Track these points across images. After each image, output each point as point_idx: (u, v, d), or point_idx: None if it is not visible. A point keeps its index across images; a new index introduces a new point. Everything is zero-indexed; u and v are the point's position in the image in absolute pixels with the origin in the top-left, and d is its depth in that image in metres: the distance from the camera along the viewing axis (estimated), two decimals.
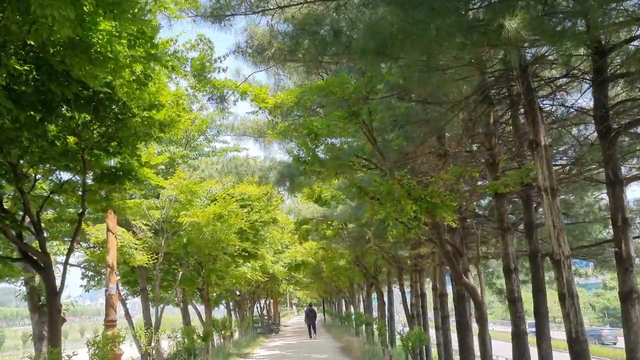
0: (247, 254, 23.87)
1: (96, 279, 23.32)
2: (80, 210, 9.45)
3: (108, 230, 12.97)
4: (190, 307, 34.84)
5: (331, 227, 23.06)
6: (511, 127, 12.37)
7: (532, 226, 12.64)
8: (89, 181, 9.98)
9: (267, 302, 56.37)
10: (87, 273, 22.30)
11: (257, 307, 49.87)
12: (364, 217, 10.59)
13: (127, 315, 20.85)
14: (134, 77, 7.37)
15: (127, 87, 7.18)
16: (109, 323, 12.55)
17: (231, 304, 40.92)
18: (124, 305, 21.12)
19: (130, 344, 16.98)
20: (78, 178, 10.60)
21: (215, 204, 16.66)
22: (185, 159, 19.56)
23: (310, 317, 34.61)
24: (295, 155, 10.53)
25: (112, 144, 9.57)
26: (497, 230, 10.97)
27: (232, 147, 21.08)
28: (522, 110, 12.77)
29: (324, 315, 70.46)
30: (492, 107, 10.75)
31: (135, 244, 15.44)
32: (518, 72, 8.07)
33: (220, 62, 9.32)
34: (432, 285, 22.21)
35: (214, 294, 36.48)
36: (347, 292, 44.91)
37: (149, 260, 15.84)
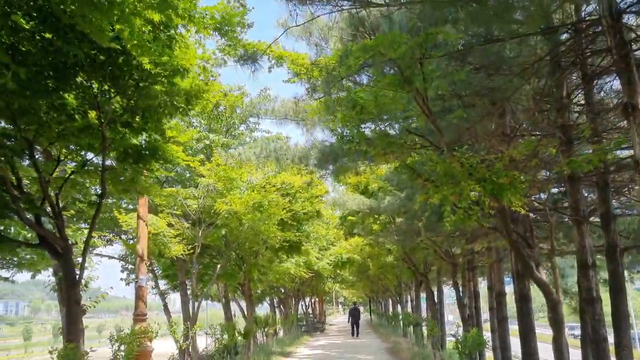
0: (289, 246, 22.85)
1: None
2: (100, 192, 8.56)
3: (139, 217, 12.15)
4: (234, 304, 34.32)
5: (378, 221, 21.75)
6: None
7: (609, 216, 11.04)
8: (110, 162, 9.10)
9: (312, 300, 55.40)
10: (127, 266, 21.78)
11: (301, 305, 48.99)
12: (417, 203, 9.27)
13: (166, 309, 20.18)
14: (148, 28, 6.34)
15: (139, 40, 6.15)
16: (139, 317, 11.72)
17: (275, 301, 40.12)
18: (163, 299, 20.46)
19: (167, 339, 16.19)
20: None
21: (255, 192, 15.65)
22: (225, 147, 18.69)
23: (354, 316, 34.60)
24: (338, 133, 9.34)
25: (136, 118, 8.65)
26: (572, 219, 9.46)
27: (274, 136, 20.14)
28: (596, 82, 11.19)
29: (370, 315, 68.97)
30: (565, 73, 9.25)
31: (170, 234, 14.59)
32: (608, 21, 6.61)
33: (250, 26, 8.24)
34: (487, 284, 20.61)
35: (258, 291, 35.81)
36: (395, 291, 43.34)
37: (184, 252, 14.99)
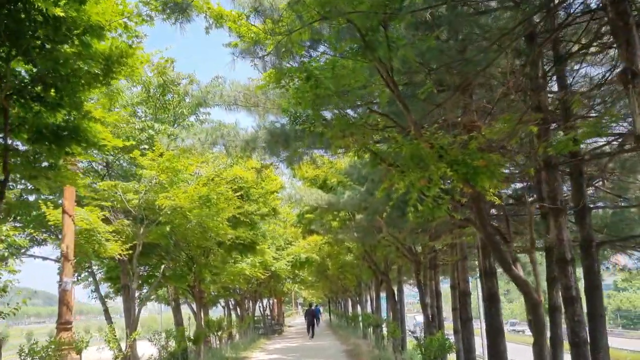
0: (243, 246, 21.52)
1: (83, 273, 20.96)
2: (3, 178, 7.09)
3: (64, 211, 10.64)
4: (185, 307, 32.67)
5: (337, 218, 20.66)
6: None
7: (584, 208, 10.23)
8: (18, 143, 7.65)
9: (270, 301, 53.97)
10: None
11: (259, 306, 47.53)
12: (380, 192, 8.09)
13: (107, 314, 18.53)
14: None
15: None
16: (63, 325, 10.21)
17: (231, 303, 38.56)
18: (104, 303, 18.79)
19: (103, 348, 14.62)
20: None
21: (202, 186, 14.28)
22: (172, 138, 17.23)
23: (310, 317, 35.08)
24: (291, 113, 8.13)
25: (50, 91, 7.22)
26: (549, 210, 8.53)
27: (223, 124, 18.72)
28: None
29: (330, 316, 67.98)
30: (540, 50, 8.33)
31: (105, 230, 13.06)
32: None
33: None
34: (450, 283, 19.80)
35: (213, 292, 34.24)
36: (354, 291, 42.44)
37: (123, 251, 13.49)
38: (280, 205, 29.11)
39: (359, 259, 24.56)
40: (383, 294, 33.70)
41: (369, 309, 40.43)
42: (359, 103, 8.63)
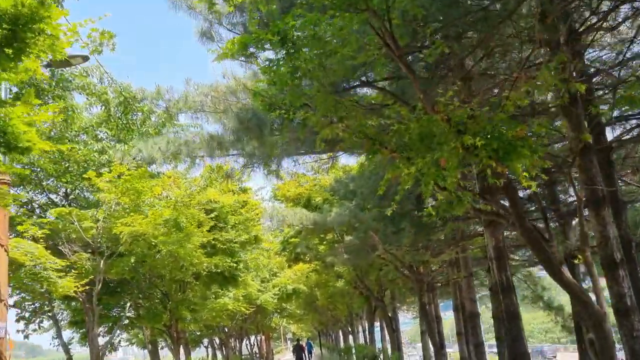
0: (223, 278, 19.56)
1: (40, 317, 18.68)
2: None
3: None
4: (164, 351, 30.27)
5: (324, 242, 18.90)
6: None
7: (618, 202, 8.69)
8: None
9: (259, 338, 51.35)
10: (22, 313, 17.73)
11: (246, 344, 44.99)
12: (381, 187, 6.41)
13: None
14: None
15: None
16: None
17: (216, 342, 36.12)
18: (67, 351, 16.57)
19: None
20: None
21: (169, 208, 12.46)
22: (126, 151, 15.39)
23: (299, 352, 35.52)
24: (259, 96, 6.44)
25: None
26: (588, 203, 6.91)
27: (186, 124, 16.88)
28: None
29: (321, 350, 65.23)
30: None
31: (55, 265, 11.10)
32: None
33: None
34: (453, 305, 18.02)
35: (197, 332, 31.91)
36: (345, 321, 40.29)
37: (78, 288, 11.51)
38: (263, 233, 27.33)
39: (350, 284, 22.67)
40: (377, 323, 31.76)
41: (361, 340, 38.29)
42: (349, 81, 6.98)
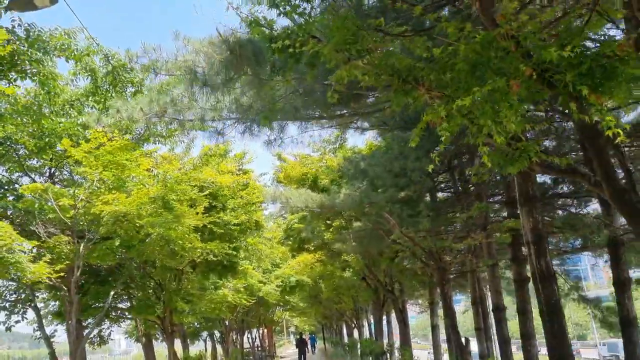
0: (222, 267, 18.13)
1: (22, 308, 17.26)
2: None
3: None
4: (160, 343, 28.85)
5: (331, 228, 17.42)
6: None
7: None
8: None
9: (261, 331, 50.03)
10: (4, 304, 16.34)
11: (248, 337, 43.66)
12: (413, 139, 4.84)
13: (53, 358, 14.94)
14: None
15: None
16: None
17: (216, 335, 34.72)
18: (49, 346, 15.14)
19: None
20: None
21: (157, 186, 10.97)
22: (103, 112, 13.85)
23: (302, 346, 35.46)
24: (258, 25, 4.94)
25: None
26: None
27: (172, 80, 15.36)
28: None
29: (324, 344, 63.87)
30: None
31: (26, 248, 9.66)
32: None
33: None
34: (472, 298, 16.54)
35: (195, 324, 30.51)
36: (351, 315, 38.84)
37: (52, 274, 10.06)
38: (265, 220, 25.85)
39: (358, 275, 21.14)
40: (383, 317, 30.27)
41: (366, 335, 36.89)
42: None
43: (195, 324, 29.84)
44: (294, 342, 40.22)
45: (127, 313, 17.78)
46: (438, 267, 10.74)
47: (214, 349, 33.43)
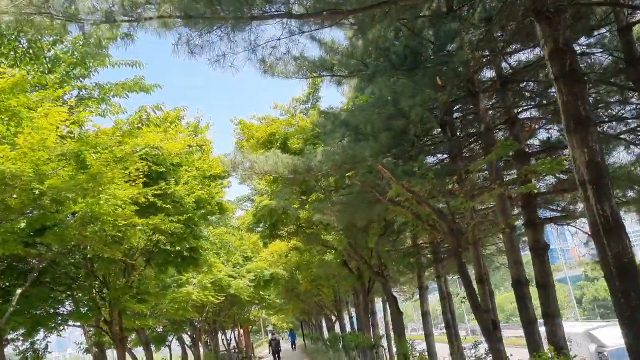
0: (181, 258, 15.25)
1: None
2: None
3: None
4: (139, 350, 25.70)
5: (306, 206, 14.69)
6: None
7: None
8: None
9: (237, 332, 47.09)
10: None
11: (223, 339, 40.69)
12: None
13: None
14: None
15: None
16: None
17: (187, 340, 31.59)
18: None
19: None
20: None
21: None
22: None
23: (275, 346, 37.00)
24: None
25: None
26: None
27: None
28: None
29: (304, 340, 61.28)
30: None
31: None
32: None
33: None
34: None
35: (155, 329, 27.42)
36: (332, 308, 36.19)
37: None
38: (232, 207, 22.99)
39: (340, 258, 18.37)
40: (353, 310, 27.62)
41: (347, 328, 34.33)
42: None
43: (159, 328, 26.82)
44: (269, 342, 41.70)
45: (65, 319, 14.76)
46: (452, 231, 8.18)
47: (184, 354, 30.39)
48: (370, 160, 9.49)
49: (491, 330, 8.39)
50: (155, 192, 10.29)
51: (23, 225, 8.34)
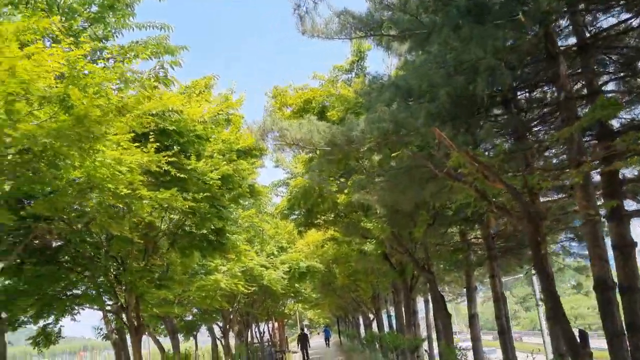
0: (207, 242, 13.88)
1: None
2: None
3: None
4: (163, 338, 24.71)
5: (345, 190, 13.04)
6: None
7: None
8: None
9: (271, 325, 45.91)
10: None
11: (256, 332, 39.50)
12: None
13: None
14: None
15: None
16: None
17: (217, 330, 30.38)
18: None
19: None
20: None
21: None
22: None
23: (304, 342, 36.41)
24: None
25: None
26: None
27: None
28: None
29: (339, 337, 59.70)
30: None
31: None
32: None
33: None
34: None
35: (187, 317, 26.29)
36: (370, 305, 34.39)
37: None
38: (266, 192, 21.59)
39: (381, 248, 16.54)
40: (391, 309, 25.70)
41: (386, 327, 32.48)
42: None
43: (188, 316, 25.66)
44: (297, 338, 40.89)
45: (83, 303, 13.58)
46: (529, 215, 6.38)
47: (213, 344, 29.22)
48: (425, 127, 7.74)
49: (577, 344, 6.54)
50: (170, 159, 8.79)
51: (7, 187, 6.98)
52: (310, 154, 12.11)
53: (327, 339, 56.04)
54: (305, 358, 34.98)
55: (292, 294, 34.33)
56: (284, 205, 18.18)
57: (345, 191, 13.61)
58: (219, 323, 28.46)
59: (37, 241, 12.05)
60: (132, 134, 8.36)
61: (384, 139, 8.91)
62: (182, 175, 9.45)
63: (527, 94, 11.21)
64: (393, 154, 9.46)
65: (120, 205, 8.29)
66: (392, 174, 9.18)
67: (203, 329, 30.84)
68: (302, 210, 17.64)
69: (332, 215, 17.98)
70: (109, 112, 6.29)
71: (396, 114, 8.26)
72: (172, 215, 13.15)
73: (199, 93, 13.12)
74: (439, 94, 7.13)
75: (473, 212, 15.22)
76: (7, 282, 12.11)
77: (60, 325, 13.46)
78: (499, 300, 14.98)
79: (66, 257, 12.59)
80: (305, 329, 46.41)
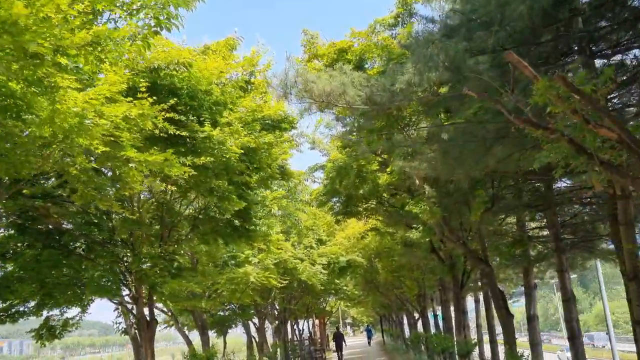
0: (232, 228, 12.26)
1: None
2: None
3: None
4: (194, 333, 23.36)
5: (387, 170, 11.08)
6: None
7: None
8: None
9: (311, 322, 44.25)
10: None
11: (295, 328, 37.92)
12: None
13: None
14: None
15: None
16: None
17: (253, 326, 28.87)
18: None
19: None
20: None
21: None
22: None
23: (339, 341, 35.34)
24: None
25: None
26: None
27: None
28: None
29: (382, 336, 57.60)
30: None
31: None
32: None
33: None
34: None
35: (220, 313, 24.83)
36: (415, 303, 32.22)
37: None
38: (300, 177, 19.86)
39: (432, 235, 14.32)
40: (438, 308, 23.43)
41: (432, 328, 30.20)
42: None
43: (221, 311, 24.24)
44: (332, 336, 39.76)
45: (89, 293, 12.14)
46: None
47: (249, 341, 27.72)
48: (492, 64, 5.76)
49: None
50: (170, 116, 7.10)
51: None
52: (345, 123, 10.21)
53: (369, 337, 54.25)
54: (340, 358, 33.76)
55: (333, 291, 32.48)
56: (321, 191, 16.35)
57: (388, 170, 11.68)
58: (253, 320, 26.96)
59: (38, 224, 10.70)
60: (125, 86, 6.73)
61: (437, 91, 6.96)
62: (180, 133, 7.70)
63: None
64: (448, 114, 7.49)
65: (105, 170, 6.67)
66: (445, 135, 7.20)
67: (239, 326, 29.49)
68: (340, 197, 15.77)
69: (374, 202, 16.08)
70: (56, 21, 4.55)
71: (453, 52, 6.29)
72: (192, 197, 11.59)
73: (223, 57, 11.43)
74: (515, 12, 5.14)
75: (538, 197, 13.06)
76: (2, 268, 10.77)
77: (66, 317, 12.01)
78: (569, 300, 12.71)
79: (71, 241, 11.18)
80: (341, 328, 45.11)
